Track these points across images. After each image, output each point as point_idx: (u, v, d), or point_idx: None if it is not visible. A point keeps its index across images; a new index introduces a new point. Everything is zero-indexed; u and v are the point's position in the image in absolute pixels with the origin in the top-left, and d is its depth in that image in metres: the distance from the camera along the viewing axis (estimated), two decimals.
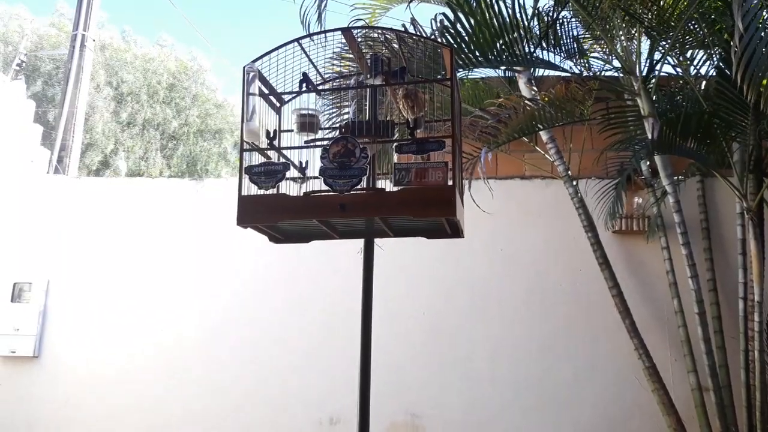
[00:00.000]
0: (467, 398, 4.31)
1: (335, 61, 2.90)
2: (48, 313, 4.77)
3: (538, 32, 3.60)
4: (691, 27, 3.58)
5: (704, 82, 3.81)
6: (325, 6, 3.61)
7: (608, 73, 3.98)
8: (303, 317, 4.56)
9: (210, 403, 4.50)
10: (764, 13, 2.53)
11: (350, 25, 4.01)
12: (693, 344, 3.72)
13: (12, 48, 13.36)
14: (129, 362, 4.62)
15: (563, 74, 3.84)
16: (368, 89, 1.87)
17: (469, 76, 4.12)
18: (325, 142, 1.72)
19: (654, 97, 3.68)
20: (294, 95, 1.87)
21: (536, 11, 3.64)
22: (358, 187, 1.67)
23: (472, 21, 3.34)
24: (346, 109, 3.12)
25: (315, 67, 1.88)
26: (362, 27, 3.48)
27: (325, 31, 1.81)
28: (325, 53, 1.95)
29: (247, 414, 4.46)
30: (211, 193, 4.94)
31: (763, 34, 2.43)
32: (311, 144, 1.82)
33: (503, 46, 3.46)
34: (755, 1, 2.45)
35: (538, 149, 4.36)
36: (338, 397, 4.31)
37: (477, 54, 3.41)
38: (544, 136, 4.13)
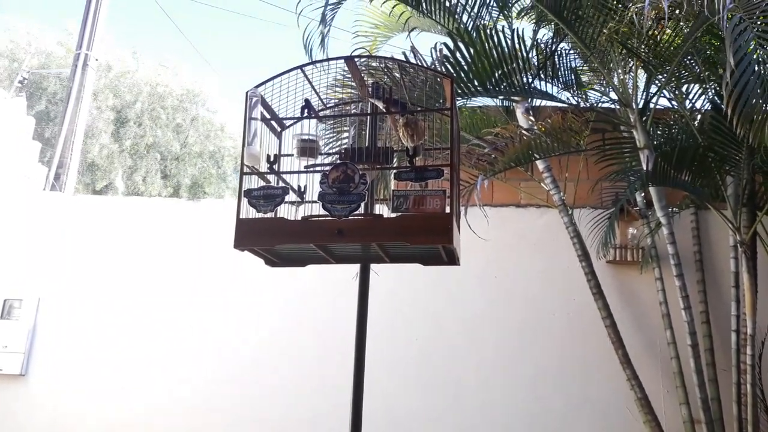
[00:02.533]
0: (458, 427, 4.28)
1: (337, 88, 2.93)
2: (37, 330, 4.73)
3: (536, 63, 3.65)
4: (687, 62, 3.64)
5: (699, 116, 3.87)
6: (328, 32, 3.66)
7: (605, 105, 4.03)
8: (296, 341, 4.53)
9: (201, 424, 4.45)
10: (758, 51, 2.58)
11: (352, 53, 4.07)
12: (685, 376, 3.71)
13: (17, 64, 13.41)
14: (118, 382, 4.58)
15: (560, 105, 3.89)
16: (368, 116, 1.90)
17: (467, 105, 4.17)
18: (325, 168, 1.74)
19: (650, 130, 3.72)
20: (295, 120, 1.89)
21: (535, 43, 3.71)
22: (356, 212, 1.68)
23: (472, 51, 3.39)
24: (345, 135, 3.14)
25: (317, 93, 1.91)
26: (365, 56, 3.53)
27: (329, 59, 1.83)
28: (328, 79, 1.98)
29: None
30: (208, 213, 4.95)
31: (755, 69, 2.47)
32: (311, 169, 1.83)
33: (502, 76, 3.51)
34: (748, 37, 2.50)
35: (534, 178, 4.39)
36: (330, 422, 4.27)
37: (476, 83, 3.45)
38: (540, 165, 4.16)
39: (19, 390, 4.62)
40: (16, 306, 4.77)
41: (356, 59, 1.87)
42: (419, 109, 1.95)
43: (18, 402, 4.60)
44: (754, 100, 2.40)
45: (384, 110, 1.84)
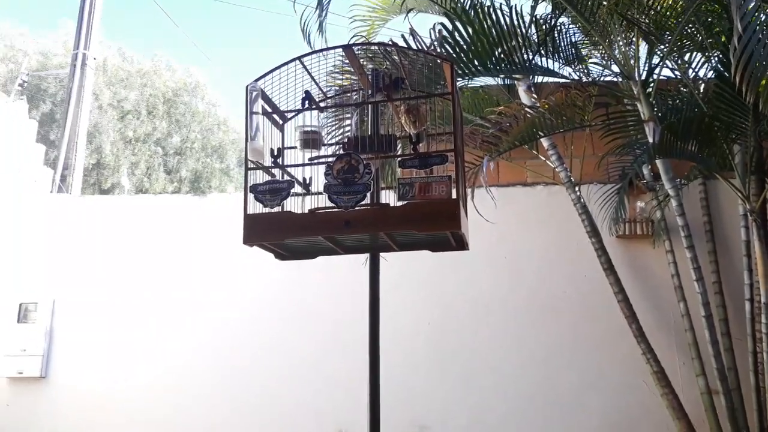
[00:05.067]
0: (473, 408, 4.30)
1: (336, 74, 2.91)
2: (54, 333, 4.77)
3: (536, 39, 3.61)
4: (689, 30, 3.59)
5: (703, 85, 3.82)
6: (325, 16, 3.63)
7: (607, 78, 3.98)
8: (309, 330, 4.55)
9: (219, 419, 4.49)
10: (762, 15, 2.54)
11: (351, 38, 4.04)
12: (700, 347, 3.71)
13: (14, 67, 13.42)
14: (136, 380, 4.62)
15: (562, 80, 3.85)
16: (369, 104, 1.88)
17: (468, 85, 4.13)
18: (329, 159, 1.73)
19: (653, 101, 3.68)
20: (296, 113, 1.88)
21: (534, 19, 3.66)
22: (363, 202, 1.67)
23: (470, 30, 3.35)
24: (347, 122, 3.13)
25: (317, 84, 1.90)
26: (363, 44, 3.50)
27: (327, 49, 1.82)
28: (327, 66, 1.97)
29: (255, 428, 4.45)
30: (215, 208, 4.96)
31: (761, 35, 2.44)
32: (316, 161, 1.83)
33: (502, 55, 3.47)
34: (753, 3, 2.46)
35: (540, 156, 4.36)
36: (346, 409, 4.29)
37: (476, 63, 3.42)
38: (545, 142, 4.13)
39: (40, 392, 4.67)
40: (32, 309, 4.82)
41: (354, 47, 1.85)
42: (420, 95, 1.93)
43: (40, 404, 4.65)
44: (762, 66, 2.36)
45: (385, 99, 1.82)
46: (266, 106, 1.85)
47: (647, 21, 3.58)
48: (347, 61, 1.99)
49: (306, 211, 1.75)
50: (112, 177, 13.78)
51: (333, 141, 3.05)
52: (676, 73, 3.93)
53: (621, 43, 3.71)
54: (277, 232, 1.73)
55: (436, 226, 1.65)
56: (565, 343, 4.30)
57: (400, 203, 1.68)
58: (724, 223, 4.24)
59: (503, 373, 4.33)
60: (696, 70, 3.84)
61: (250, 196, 1.74)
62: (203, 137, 15.27)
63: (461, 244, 1.82)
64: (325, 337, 4.52)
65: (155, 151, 14.46)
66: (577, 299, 4.34)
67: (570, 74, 3.85)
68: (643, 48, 3.80)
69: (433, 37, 3.37)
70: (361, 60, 2.31)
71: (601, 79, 3.97)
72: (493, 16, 3.39)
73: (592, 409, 4.19)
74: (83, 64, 7.06)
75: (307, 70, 1.83)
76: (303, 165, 1.85)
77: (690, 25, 3.51)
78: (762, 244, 3.31)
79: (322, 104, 2.00)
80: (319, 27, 3.83)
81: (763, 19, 2.51)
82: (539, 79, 4.25)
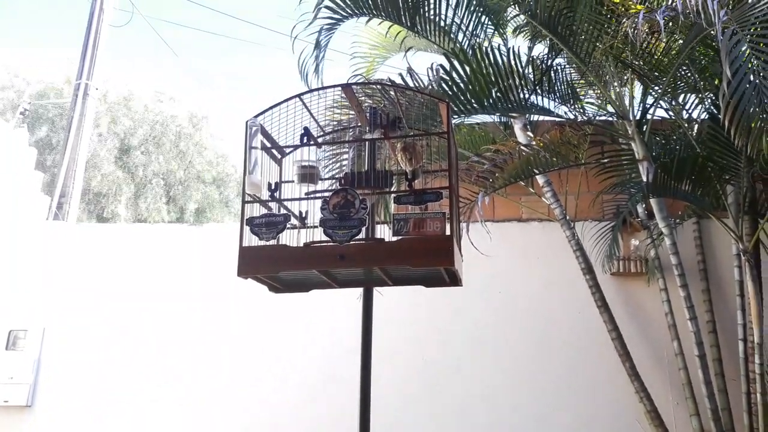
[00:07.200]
0: None
1: (334, 109, 2.94)
2: (43, 361, 4.71)
3: (532, 79, 3.68)
4: (683, 72, 3.66)
5: (697, 126, 3.88)
6: (323, 57, 3.69)
7: (602, 118, 4.04)
8: (300, 364, 4.52)
9: None
10: (753, 60, 2.60)
11: (350, 76, 4.10)
12: (694, 387, 3.69)
13: (16, 94, 13.54)
14: (124, 413, 4.55)
15: (558, 119, 3.91)
16: (366, 142, 1.91)
17: (465, 122, 4.19)
18: (326, 194, 1.75)
19: (648, 141, 3.74)
20: (294, 148, 1.91)
21: (530, 59, 3.74)
22: (358, 237, 1.69)
23: (468, 69, 3.42)
24: (344, 157, 3.17)
25: (315, 120, 1.93)
26: (361, 83, 3.56)
27: (326, 87, 1.86)
28: (326, 101, 2.00)
29: None
30: (211, 238, 4.95)
31: (750, 80, 2.49)
32: (312, 195, 1.85)
33: (498, 93, 3.53)
34: (743, 48, 2.52)
35: (535, 192, 4.40)
36: None
37: (473, 101, 3.48)
38: (540, 179, 4.18)
39: (25, 421, 4.59)
40: (21, 337, 4.77)
41: (353, 86, 1.89)
42: (416, 133, 1.97)
43: None
44: (751, 110, 2.41)
45: (382, 137, 1.85)
46: (265, 141, 1.88)
47: (641, 63, 3.65)
48: (345, 97, 2.02)
49: (301, 245, 1.76)
50: (111, 206, 13.77)
51: (330, 175, 3.08)
52: (670, 113, 3.99)
53: (616, 83, 3.78)
54: (271, 265, 1.74)
55: (430, 262, 1.67)
56: (560, 381, 4.28)
57: (394, 238, 1.70)
58: (717, 263, 4.26)
59: (497, 409, 4.28)
60: (690, 111, 3.92)
61: (246, 228, 1.75)
62: (204, 168, 15.30)
63: (455, 280, 1.83)
64: (318, 370, 4.48)
65: (157, 182, 14.46)
66: (571, 336, 4.33)
67: (565, 113, 3.91)
68: (638, 89, 3.87)
69: (431, 76, 3.43)
70: (360, 97, 2.36)
71: (596, 118, 4.03)
72: (491, 56, 3.46)
73: None
74: (85, 93, 7.13)
75: (306, 107, 1.87)
76: (300, 199, 1.87)
77: (684, 68, 3.58)
78: (755, 284, 3.33)
79: (320, 140, 2.03)
80: (316, 68, 3.88)
81: (753, 62, 2.56)
82: (535, 117, 4.31)
